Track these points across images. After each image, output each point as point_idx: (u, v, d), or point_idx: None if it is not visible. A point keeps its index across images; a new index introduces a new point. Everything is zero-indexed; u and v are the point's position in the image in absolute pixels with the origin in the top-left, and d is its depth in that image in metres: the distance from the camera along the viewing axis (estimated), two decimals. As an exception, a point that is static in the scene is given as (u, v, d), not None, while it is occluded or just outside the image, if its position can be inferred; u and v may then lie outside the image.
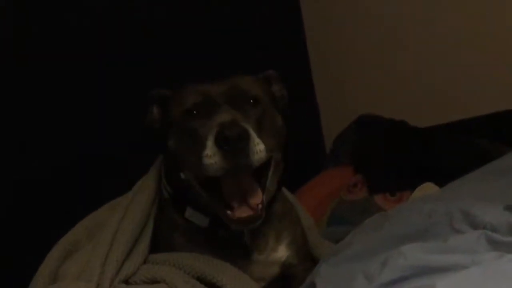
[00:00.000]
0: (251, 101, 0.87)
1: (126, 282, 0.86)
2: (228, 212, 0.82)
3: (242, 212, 0.82)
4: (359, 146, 1.66)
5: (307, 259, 1.03)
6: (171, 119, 0.90)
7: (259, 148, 0.79)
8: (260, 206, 0.83)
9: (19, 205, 1.07)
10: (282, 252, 0.96)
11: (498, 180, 0.96)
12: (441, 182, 1.20)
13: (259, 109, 0.87)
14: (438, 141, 1.54)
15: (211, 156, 0.78)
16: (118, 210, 0.94)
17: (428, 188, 1.31)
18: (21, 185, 1.06)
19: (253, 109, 0.86)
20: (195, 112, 0.85)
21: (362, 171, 1.58)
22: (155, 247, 0.95)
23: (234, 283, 0.84)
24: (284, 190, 1.09)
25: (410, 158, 1.51)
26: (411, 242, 0.78)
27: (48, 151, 1.11)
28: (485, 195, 0.90)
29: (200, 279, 0.86)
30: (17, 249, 1.03)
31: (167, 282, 0.85)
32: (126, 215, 0.92)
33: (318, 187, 1.60)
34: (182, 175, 0.89)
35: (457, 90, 1.65)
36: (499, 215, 0.79)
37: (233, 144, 0.76)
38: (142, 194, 0.98)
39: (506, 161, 1.09)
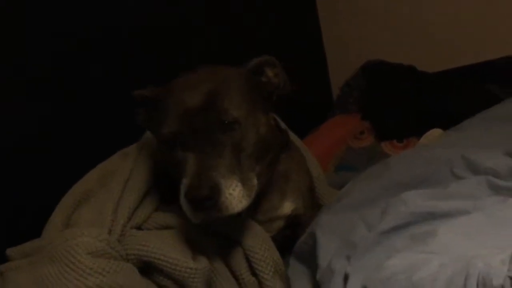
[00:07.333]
0: (226, 122, 0.79)
1: (138, 228, 0.87)
2: None
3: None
4: (366, 92, 1.65)
5: (314, 208, 1.03)
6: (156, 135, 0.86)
7: (235, 194, 0.75)
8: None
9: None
10: (287, 208, 0.96)
11: (499, 126, 0.95)
12: (449, 128, 1.19)
13: (237, 130, 0.80)
14: (448, 86, 1.51)
15: (183, 204, 0.77)
16: (130, 158, 0.93)
17: (436, 134, 1.30)
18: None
19: (229, 133, 0.79)
20: (171, 142, 0.81)
21: (369, 118, 1.57)
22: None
23: (246, 234, 0.86)
24: (294, 139, 1.06)
25: (418, 104, 1.50)
26: (411, 190, 0.78)
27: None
28: (486, 141, 0.89)
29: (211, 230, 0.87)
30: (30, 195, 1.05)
31: (177, 228, 0.86)
32: (138, 162, 0.92)
33: (325, 135, 1.60)
34: None
35: (467, 35, 1.62)
36: (500, 160, 0.79)
37: (200, 204, 0.74)
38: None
39: (508, 107, 1.07)
